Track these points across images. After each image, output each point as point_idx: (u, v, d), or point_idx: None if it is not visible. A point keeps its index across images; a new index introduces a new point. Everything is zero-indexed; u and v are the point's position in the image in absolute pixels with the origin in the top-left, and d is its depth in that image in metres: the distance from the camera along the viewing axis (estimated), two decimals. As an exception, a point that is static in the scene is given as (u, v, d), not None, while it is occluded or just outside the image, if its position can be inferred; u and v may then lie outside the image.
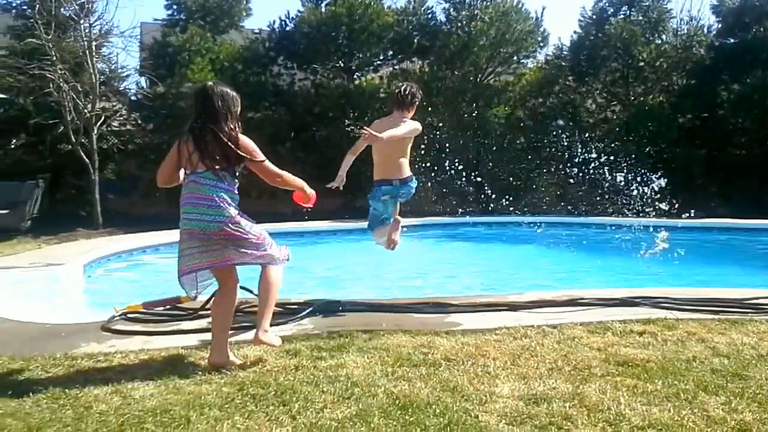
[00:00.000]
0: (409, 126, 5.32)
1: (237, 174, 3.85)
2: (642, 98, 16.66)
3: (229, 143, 3.73)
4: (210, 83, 3.91)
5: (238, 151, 3.75)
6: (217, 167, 3.73)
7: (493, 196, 16.53)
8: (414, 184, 5.58)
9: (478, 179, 16.44)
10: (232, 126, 3.78)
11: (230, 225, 3.72)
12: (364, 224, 12.69)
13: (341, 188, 5.61)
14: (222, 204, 3.72)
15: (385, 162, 5.54)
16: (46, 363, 3.72)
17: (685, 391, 3.21)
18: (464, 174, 16.50)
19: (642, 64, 16.35)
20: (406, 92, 5.42)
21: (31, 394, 3.23)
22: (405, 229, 5.90)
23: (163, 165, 3.89)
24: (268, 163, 3.89)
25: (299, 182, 4.14)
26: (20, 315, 4.96)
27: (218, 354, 3.70)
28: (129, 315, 4.74)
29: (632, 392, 3.20)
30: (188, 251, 3.78)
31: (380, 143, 5.04)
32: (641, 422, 2.84)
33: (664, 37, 17.01)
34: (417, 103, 5.53)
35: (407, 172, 5.51)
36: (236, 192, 3.85)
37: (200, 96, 3.83)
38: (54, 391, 3.26)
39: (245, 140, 3.82)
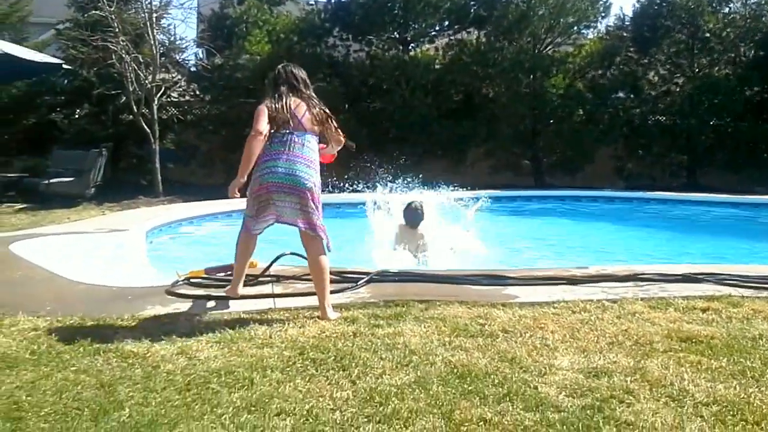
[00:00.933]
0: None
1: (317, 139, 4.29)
2: (707, 70, 16.03)
3: (324, 109, 4.25)
4: (291, 66, 4.38)
5: (329, 116, 4.26)
6: (316, 129, 4.22)
7: (550, 168, 16.31)
8: None
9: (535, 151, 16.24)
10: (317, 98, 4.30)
11: (316, 187, 4.15)
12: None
13: None
14: (316, 167, 4.19)
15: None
16: (115, 323, 3.87)
17: (752, 369, 3.13)
18: (520, 146, 16.29)
19: (708, 34, 15.70)
20: (420, 211, 6.69)
21: (102, 352, 3.38)
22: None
23: (263, 121, 4.08)
24: (340, 135, 4.37)
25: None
26: (89, 278, 5.15)
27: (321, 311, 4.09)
28: (192, 280, 4.88)
29: (696, 368, 3.14)
30: (266, 202, 4.13)
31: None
32: (706, 399, 2.79)
33: (731, 5, 16.27)
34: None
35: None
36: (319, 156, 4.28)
37: (290, 69, 4.32)
38: (123, 350, 3.40)
39: (330, 117, 4.32)
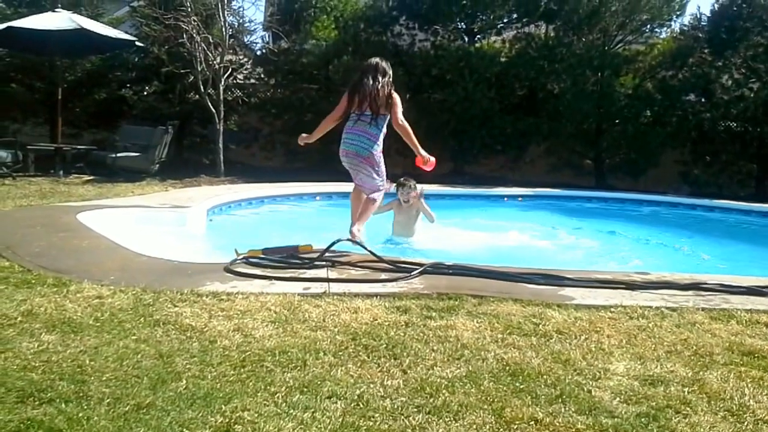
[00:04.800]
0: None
1: (386, 120, 5.82)
2: (785, 76, 15.37)
3: (387, 97, 5.72)
4: (378, 59, 5.90)
5: (389, 101, 5.74)
6: (380, 111, 5.73)
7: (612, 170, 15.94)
8: None
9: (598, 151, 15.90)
10: (390, 82, 5.79)
11: (375, 155, 5.81)
12: (474, 190, 12.61)
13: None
14: (375, 140, 5.79)
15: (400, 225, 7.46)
16: (174, 297, 3.97)
17: (818, 390, 3.01)
18: (583, 145, 15.97)
19: (789, 37, 15.05)
20: (411, 186, 7.38)
21: (161, 324, 3.48)
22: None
23: (338, 106, 5.89)
24: (399, 112, 5.75)
25: (416, 143, 5.96)
26: (151, 251, 5.30)
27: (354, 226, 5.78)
28: (250, 259, 4.97)
29: (758, 384, 3.03)
30: (346, 165, 5.96)
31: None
32: (767, 416, 2.69)
33: (818, 9, 15.51)
34: None
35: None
36: (383, 133, 5.84)
37: (374, 64, 5.83)
38: (182, 323, 3.49)
39: (396, 96, 5.79)
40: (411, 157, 6.30)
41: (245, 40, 16.18)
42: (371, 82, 5.71)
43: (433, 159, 6.20)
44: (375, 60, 5.85)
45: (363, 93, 5.69)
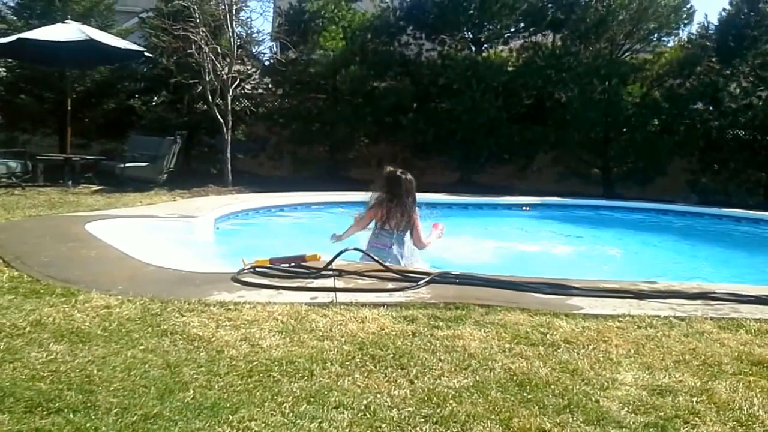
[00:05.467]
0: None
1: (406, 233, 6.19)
2: (793, 84, 15.30)
3: (410, 218, 6.12)
4: (407, 177, 6.20)
5: (410, 224, 6.15)
6: (397, 229, 6.12)
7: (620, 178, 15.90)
8: None
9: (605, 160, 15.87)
10: (413, 203, 6.15)
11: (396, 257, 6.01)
12: (481, 199, 12.60)
13: None
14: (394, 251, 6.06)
15: None
16: (182, 307, 3.97)
17: (828, 400, 2.98)
18: (590, 154, 15.95)
19: (797, 45, 14.99)
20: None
21: (169, 334, 3.48)
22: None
23: (365, 219, 6.28)
24: (422, 234, 6.29)
25: (432, 241, 6.49)
26: (159, 260, 5.32)
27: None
28: (257, 269, 4.98)
29: (767, 394, 3.01)
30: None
31: None
32: (776, 426, 2.68)
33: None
34: None
35: None
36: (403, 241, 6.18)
37: (401, 180, 6.16)
38: (189, 333, 3.50)
39: (417, 220, 6.22)
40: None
41: (253, 50, 16.27)
42: (396, 206, 6.10)
43: (441, 225, 6.78)
44: (405, 178, 6.18)
45: (386, 212, 6.11)
